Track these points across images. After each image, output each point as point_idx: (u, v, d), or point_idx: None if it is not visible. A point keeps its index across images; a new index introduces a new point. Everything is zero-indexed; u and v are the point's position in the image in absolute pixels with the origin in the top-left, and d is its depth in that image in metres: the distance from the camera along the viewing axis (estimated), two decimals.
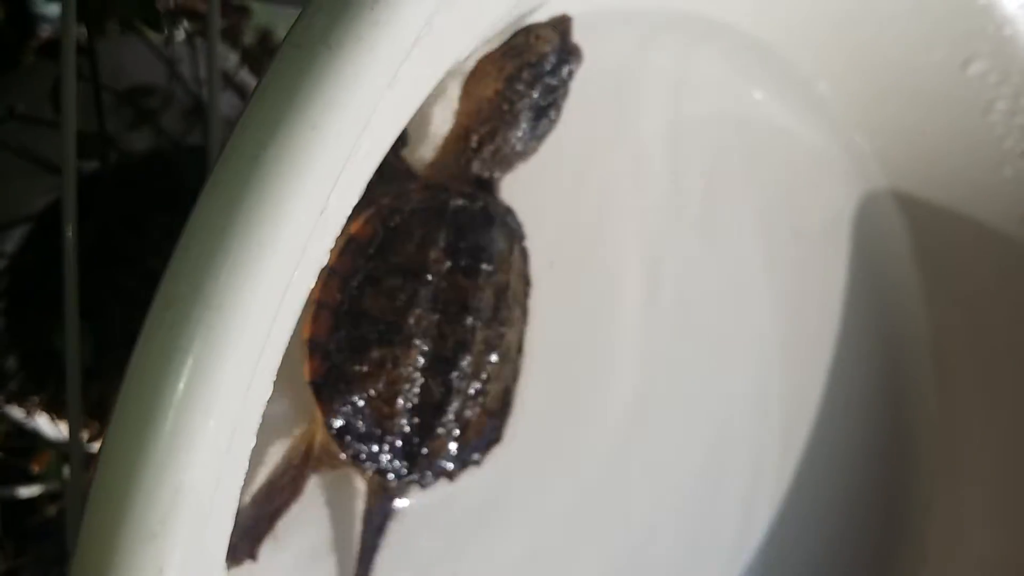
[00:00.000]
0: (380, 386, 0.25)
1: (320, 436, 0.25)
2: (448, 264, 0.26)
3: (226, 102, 0.44)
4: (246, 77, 0.47)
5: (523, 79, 0.27)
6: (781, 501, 0.38)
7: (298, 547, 0.27)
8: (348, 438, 0.25)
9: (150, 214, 0.42)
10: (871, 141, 0.41)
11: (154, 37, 0.45)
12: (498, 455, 0.29)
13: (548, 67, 0.27)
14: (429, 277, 0.25)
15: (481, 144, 0.27)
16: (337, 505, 0.28)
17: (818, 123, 0.41)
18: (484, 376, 0.27)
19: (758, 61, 0.39)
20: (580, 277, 0.34)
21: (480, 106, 0.27)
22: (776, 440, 0.39)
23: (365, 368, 0.25)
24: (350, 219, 0.22)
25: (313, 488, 0.27)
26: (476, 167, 0.27)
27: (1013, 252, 0.40)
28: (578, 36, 0.28)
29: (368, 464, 0.25)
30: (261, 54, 0.48)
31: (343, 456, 0.25)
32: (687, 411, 0.36)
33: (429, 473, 0.27)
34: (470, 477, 0.28)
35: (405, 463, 0.26)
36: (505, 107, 0.27)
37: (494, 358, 0.27)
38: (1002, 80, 0.37)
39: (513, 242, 0.28)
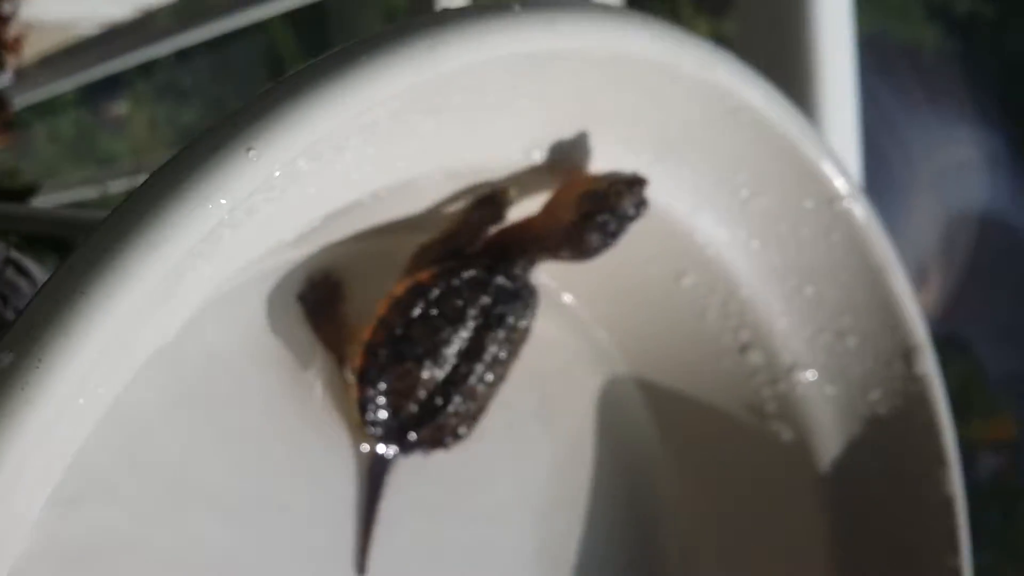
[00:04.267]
0: (403, 383, 0.30)
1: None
2: (480, 321, 0.31)
3: None
4: None
5: (596, 222, 0.30)
6: None
7: None
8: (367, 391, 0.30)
9: None
10: (613, 337, 0.41)
11: None
12: None
13: (618, 221, 0.31)
14: (463, 326, 0.30)
15: (543, 250, 0.32)
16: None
17: (566, 323, 0.40)
18: (472, 401, 0.32)
19: None
20: None
21: (554, 225, 0.31)
22: None
23: (398, 370, 0.30)
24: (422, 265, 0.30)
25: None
26: (529, 261, 0.32)
27: (738, 429, 0.41)
28: None
29: (371, 427, 0.31)
30: None
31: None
32: None
33: (409, 449, 0.32)
34: None
35: (396, 437, 0.31)
36: (575, 237, 0.31)
37: (481, 389, 0.32)
38: (710, 291, 0.39)
39: (527, 317, 0.32)
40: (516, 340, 0.32)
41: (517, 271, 0.32)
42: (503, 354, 0.32)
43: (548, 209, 0.32)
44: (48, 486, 0.20)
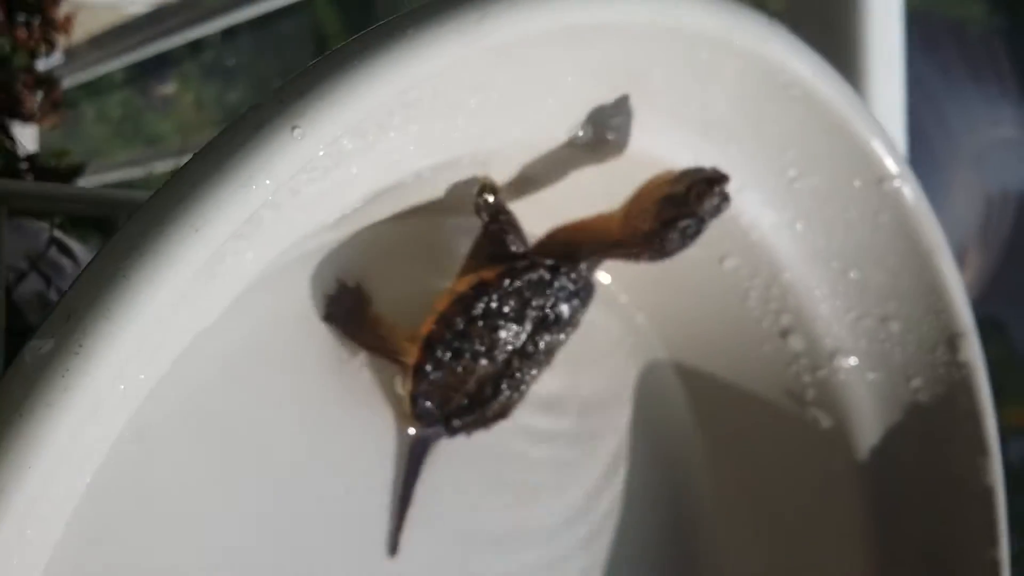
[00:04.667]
0: (456, 378, 0.30)
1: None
2: (538, 319, 0.30)
3: None
4: None
5: (677, 228, 0.29)
6: None
7: None
8: (422, 384, 0.30)
9: None
10: (651, 322, 0.40)
11: None
12: None
13: (699, 223, 0.29)
14: (522, 325, 0.30)
15: (619, 254, 0.31)
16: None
17: (605, 307, 0.39)
18: (519, 390, 0.32)
19: None
20: None
21: (635, 231, 0.30)
22: None
23: (455, 366, 0.30)
24: (485, 262, 0.30)
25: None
26: (596, 261, 0.31)
27: (776, 415, 0.40)
28: None
29: (421, 417, 0.31)
30: None
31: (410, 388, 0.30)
32: None
33: (452, 434, 0.32)
34: None
35: (442, 424, 0.32)
36: (656, 243, 0.30)
37: (529, 379, 0.32)
38: (753, 274, 0.37)
39: (582, 312, 0.32)
40: (568, 333, 0.32)
41: (582, 270, 0.31)
42: (554, 347, 0.32)
43: (627, 214, 0.31)
44: (95, 460, 0.19)
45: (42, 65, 0.83)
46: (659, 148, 0.32)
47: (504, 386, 0.31)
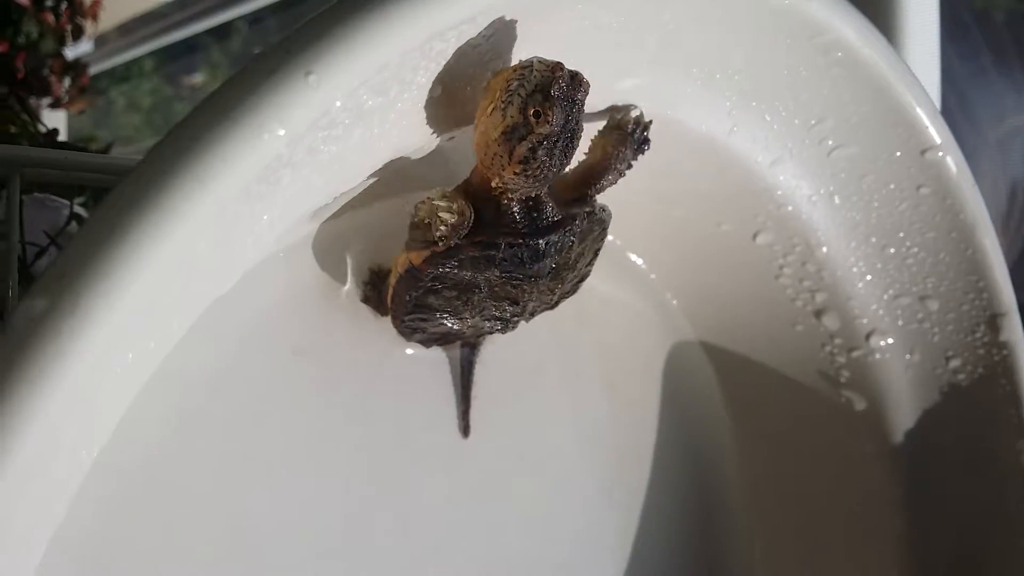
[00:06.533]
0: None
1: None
2: (498, 283, 0.26)
3: None
4: None
5: (538, 154, 0.23)
6: None
7: None
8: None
9: None
10: (680, 301, 0.38)
11: None
12: None
13: (559, 134, 0.23)
14: (480, 290, 0.26)
15: (518, 198, 0.25)
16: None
17: (634, 287, 0.37)
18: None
19: None
20: None
21: (501, 178, 0.24)
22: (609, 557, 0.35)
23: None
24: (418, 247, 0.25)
25: None
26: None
27: (808, 398, 0.38)
28: None
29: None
30: None
31: None
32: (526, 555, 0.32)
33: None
34: None
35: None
36: (529, 177, 0.24)
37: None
38: (788, 250, 0.35)
39: (576, 242, 0.26)
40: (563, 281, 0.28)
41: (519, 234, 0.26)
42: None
43: (484, 166, 0.25)
44: (105, 431, 0.18)
45: (72, 53, 0.82)
46: (693, 118, 0.30)
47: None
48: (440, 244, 0.25)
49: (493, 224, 0.25)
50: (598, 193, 0.27)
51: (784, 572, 0.38)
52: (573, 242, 0.26)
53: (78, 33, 0.76)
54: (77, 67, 0.80)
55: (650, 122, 0.28)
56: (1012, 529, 0.37)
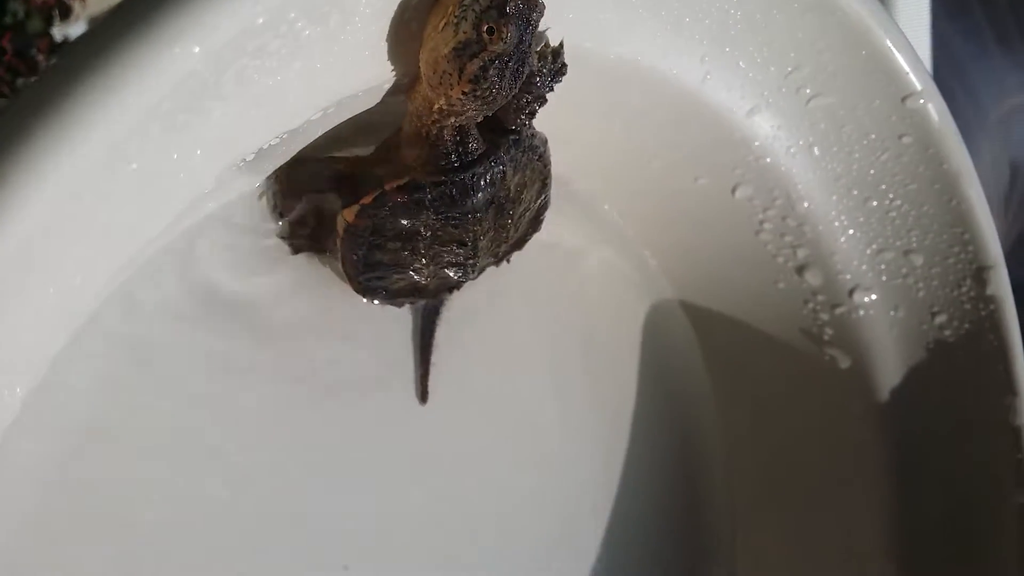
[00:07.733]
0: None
1: None
2: (438, 226, 0.25)
3: None
4: None
5: (489, 74, 0.22)
6: None
7: None
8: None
9: None
10: (658, 260, 0.37)
11: None
12: None
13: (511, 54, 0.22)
14: (423, 236, 0.25)
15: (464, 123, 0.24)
16: None
17: (609, 242, 0.37)
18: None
19: None
20: None
21: (449, 98, 0.23)
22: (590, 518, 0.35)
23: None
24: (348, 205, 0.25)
25: None
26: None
27: (790, 356, 0.37)
28: None
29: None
30: None
31: None
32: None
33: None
34: None
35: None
36: (478, 100, 0.23)
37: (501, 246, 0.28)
38: (768, 204, 0.34)
39: (510, 171, 0.26)
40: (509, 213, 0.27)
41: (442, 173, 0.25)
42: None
43: (430, 86, 0.24)
44: (34, 370, 0.17)
45: (62, 33, 0.81)
46: (664, 63, 0.29)
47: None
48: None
49: (422, 167, 0.24)
50: (530, 119, 0.26)
51: (766, 532, 0.38)
52: (504, 172, 0.25)
53: (66, 12, 0.75)
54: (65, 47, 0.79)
55: (560, 45, 0.26)
56: (1000, 486, 0.36)
